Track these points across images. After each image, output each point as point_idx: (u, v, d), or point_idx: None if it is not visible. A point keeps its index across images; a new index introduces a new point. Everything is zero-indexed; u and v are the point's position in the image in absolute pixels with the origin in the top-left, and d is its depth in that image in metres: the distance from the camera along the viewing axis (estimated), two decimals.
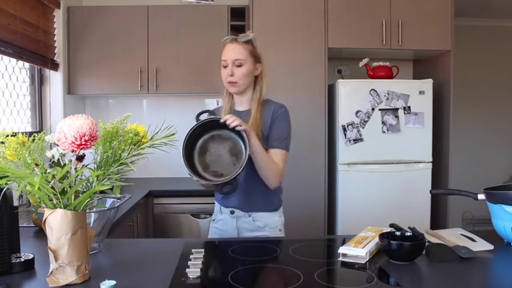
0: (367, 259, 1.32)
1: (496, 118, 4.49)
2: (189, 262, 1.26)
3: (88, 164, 1.19)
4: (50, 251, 1.11)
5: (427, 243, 1.36)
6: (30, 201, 1.31)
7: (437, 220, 3.26)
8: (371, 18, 3.10)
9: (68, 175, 1.14)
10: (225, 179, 1.52)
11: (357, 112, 3.02)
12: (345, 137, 3.02)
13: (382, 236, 1.38)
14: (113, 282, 1.04)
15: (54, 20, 3.04)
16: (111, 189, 1.20)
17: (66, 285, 1.10)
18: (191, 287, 1.15)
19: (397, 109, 3.05)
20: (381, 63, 3.24)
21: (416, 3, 3.13)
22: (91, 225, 1.34)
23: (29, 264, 1.24)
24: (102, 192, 1.22)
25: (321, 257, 1.50)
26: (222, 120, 1.53)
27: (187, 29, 3.21)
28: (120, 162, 1.22)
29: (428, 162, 3.12)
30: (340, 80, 3.07)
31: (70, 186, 1.11)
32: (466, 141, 4.41)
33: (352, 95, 3.03)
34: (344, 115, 3.03)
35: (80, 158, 1.16)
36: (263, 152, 1.62)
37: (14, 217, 1.29)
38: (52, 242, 1.10)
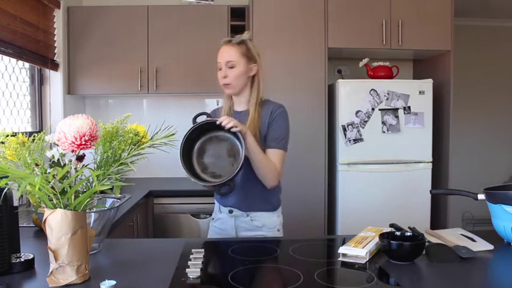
0: (367, 259, 1.32)
1: (496, 118, 4.49)
2: (189, 262, 1.26)
3: (88, 164, 1.19)
4: (50, 251, 1.11)
5: (427, 243, 1.36)
6: (30, 201, 1.31)
7: (437, 220, 3.26)
8: (371, 18, 3.10)
9: (68, 175, 1.14)
10: (221, 180, 1.53)
11: (357, 112, 3.02)
12: (345, 137, 3.02)
13: (382, 236, 1.38)
14: (113, 282, 1.04)
15: (54, 20, 3.04)
16: (111, 189, 1.20)
17: (66, 285, 1.10)
18: (191, 287, 1.15)
19: (397, 109, 3.05)
20: (381, 63, 3.24)
21: (416, 3, 3.13)
22: (91, 225, 1.34)
23: (29, 264, 1.24)
24: (102, 192, 1.22)
25: (321, 257, 1.50)
26: (218, 122, 1.54)
27: (187, 29, 3.21)
28: (120, 162, 1.22)
29: (428, 162, 3.12)
30: (340, 80, 3.07)
31: (70, 186, 1.11)
32: (466, 141, 4.41)
33: (352, 95, 3.03)
34: (344, 115, 3.03)
35: (80, 158, 1.16)
36: (260, 152, 1.63)
37: (14, 217, 1.29)
38: (52, 242, 1.10)
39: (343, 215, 3.05)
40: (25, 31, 2.60)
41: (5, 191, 1.14)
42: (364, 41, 3.12)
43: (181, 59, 3.21)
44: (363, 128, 3.02)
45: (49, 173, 1.13)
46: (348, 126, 3.02)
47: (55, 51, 3.05)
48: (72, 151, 1.12)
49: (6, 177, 1.06)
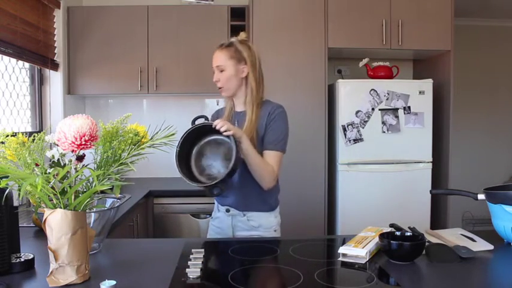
0: (367, 259, 1.32)
1: (496, 118, 4.49)
2: (189, 262, 1.26)
3: (88, 164, 1.19)
4: (50, 251, 1.11)
5: (427, 243, 1.36)
6: (30, 201, 1.31)
7: (437, 220, 3.26)
8: (371, 18, 3.10)
9: (68, 175, 1.14)
10: (210, 183, 1.56)
11: (357, 112, 3.02)
12: (345, 137, 3.02)
13: (382, 236, 1.38)
14: (113, 282, 1.04)
15: (54, 20, 3.04)
16: (111, 189, 1.20)
17: (66, 285, 1.10)
18: (191, 287, 1.15)
19: (397, 109, 3.05)
20: (381, 63, 3.23)
21: (416, 3, 3.13)
22: (91, 225, 1.34)
23: (29, 264, 1.24)
24: (102, 192, 1.22)
25: (321, 257, 1.50)
26: (213, 126, 1.57)
27: (187, 29, 3.21)
28: (120, 162, 1.22)
29: (428, 162, 3.11)
30: (340, 80, 3.07)
31: (70, 186, 1.11)
32: (466, 141, 4.41)
33: (352, 95, 3.03)
34: (344, 115, 3.03)
35: (80, 158, 1.16)
36: (256, 155, 1.64)
37: (14, 217, 1.30)
38: (52, 242, 1.10)
39: (343, 215, 3.05)
40: (25, 31, 2.60)
41: (6, 192, 1.14)
42: (364, 41, 3.11)
43: (181, 59, 3.21)
44: (363, 128, 3.02)
45: (49, 173, 1.13)
46: (348, 126, 3.02)
47: (55, 51, 3.05)
48: (72, 151, 1.12)
49: (7, 177, 1.06)
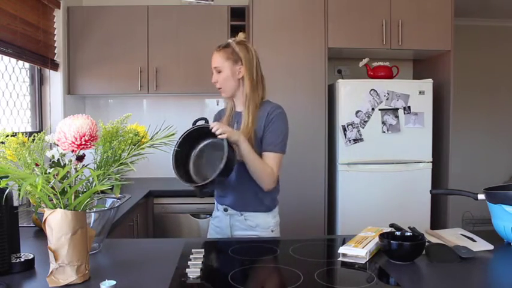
0: (367, 259, 1.32)
1: (496, 118, 4.49)
2: (189, 262, 1.26)
3: (88, 164, 1.19)
4: (50, 251, 1.11)
5: (427, 243, 1.36)
6: (30, 201, 1.31)
7: (437, 220, 3.26)
8: (371, 18, 3.10)
9: (68, 175, 1.14)
10: (197, 184, 1.59)
11: (357, 112, 3.02)
12: (345, 137, 3.02)
13: (382, 236, 1.38)
14: (113, 282, 1.04)
15: (54, 20, 3.04)
16: (111, 189, 1.20)
17: (66, 285, 1.10)
18: (191, 287, 1.15)
19: (397, 109, 3.05)
20: (381, 63, 3.23)
21: (416, 3, 3.13)
22: (91, 225, 1.34)
23: (29, 264, 1.24)
24: (102, 192, 1.22)
25: (321, 257, 1.50)
26: (210, 127, 1.59)
27: (187, 29, 3.21)
28: (120, 162, 1.22)
29: (428, 162, 3.11)
30: (340, 80, 3.07)
31: (70, 186, 1.11)
32: (466, 141, 4.41)
33: (352, 95, 3.03)
34: (344, 115, 3.03)
35: (80, 158, 1.16)
36: (254, 158, 1.65)
37: (14, 217, 1.30)
38: (52, 242, 1.10)
39: (343, 215, 3.05)
40: (25, 31, 2.60)
41: (6, 192, 1.14)
42: (364, 41, 3.11)
43: (181, 59, 3.21)
44: (363, 128, 3.02)
45: (49, 173, 1.13)
46: (348, 126, 3.02)
47: (55, 51, 3.05)
48: (72, 151, 1.12)
49: (7, 177, 1.06)
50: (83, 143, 1.11)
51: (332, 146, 3.14)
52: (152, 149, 1.29)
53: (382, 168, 3.05)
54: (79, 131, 1.10)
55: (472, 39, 4.36)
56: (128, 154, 1.23)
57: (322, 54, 3.08)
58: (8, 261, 1.20)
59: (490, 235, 1.53)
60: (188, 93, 3.38)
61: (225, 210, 1.80)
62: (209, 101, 3.60)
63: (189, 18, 3.21)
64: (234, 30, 3.02)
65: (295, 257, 1.40)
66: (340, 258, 1.34)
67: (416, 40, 3.14)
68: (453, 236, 1.52)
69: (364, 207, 3.00)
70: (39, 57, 2.79)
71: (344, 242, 1.43)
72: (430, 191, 1.96)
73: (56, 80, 3.07)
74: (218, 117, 1.92)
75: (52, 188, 1.10)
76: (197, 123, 1.69)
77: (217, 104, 3.53)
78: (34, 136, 1.19)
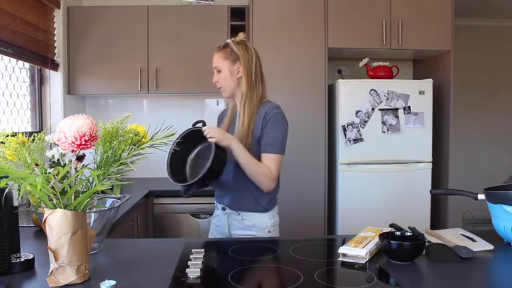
0: (367, 259, 1.32)
1: (496, 118, 4.49)
2: (189, 262, 1.26)
3: (88, 164, 1.19)
4: (50, 251, 1.11)
5: (427, 243, 1.36)
6: (30, 201, 1.31)
7: (437, 220, 3.26)
8: (371, 18, 3.10)
9: (68, 175, 1.14)
10: (182, 184, 1.66)
11: (357, 112, 3.02)
12: (345, 137, 3.02)
13: (382, 236, 1.38)
14: (113, 282, 1.04)
15: (54, 20, 3.04)
16: (111, 189, 1.20)
17: (66, 285, 1.10)
18: (191, 287, 1.15)
19: (397, 109, 3.05)
20: (381, 63, 3.23)
21: (416, 3, 3.13)
22: (91, 225, 1.34)
23: (29, 264, 1.24)
24: (102, 192, 1.22)
25: (321, 257, 1.50)
26: (202, 130, 1.62)
27: (187, 29, 3.21)
28: (120, 162, 1.22)
29: (428, 162, 3.11)
30: (340, 80, 3.07)
31: (70, 186, 1.11)
32: (466, 141, 4.41)
33: (352, 95, 3.03)
34: (344, 115, 3.03)
35: (80, 158, 1.16)
36: (249, 160, 1.65)
37: (14, 217, 1.29)
38: (52, 242, 1.10)
39: (343, 215, 3.05)
40: (25, 31, 2.60)
41: (6, 192, 1.14)
42: (364, 41, 3.11)
43: (181, 59, 3.21)
44: (363, 128, 3.02)
45: (49, 173, 1.13)
46: (348, 126, 3.02)
47: (55, 51, 3.05)
48: (72, 151, 1.12)
49: (7, 177, 1.06)
50: (83, 143, 1.11)
51: (332, 146, 3.14)
52: (152, 149, 1.29)
53: (382, 168, 3.05)
54: (79, 131, 1.10)
55: (472, 39, 4.36)
56: (128, 154, 1.23)
57: (322, 54, 3.08)
58: (8, 261, 1.20)
59: (490, 235, 1.52)
60: (188, 93, 3.38)
61: (223, 209, 1.82)
62: (209, 101, 3.60)
63: (189, 18, 3.21)
64: (234, 30, 3.02)
65: (295, 257, 1.40)
66: (340, 258, 1.34)
67: (416, 40, 3.14)
68: (453, 236, 1.52)
69: (364, 207, 3.00)
70: (39, 57, 2.79)
71: (344, 242, 1.43)
72: (430, 191, 1.96)
73: (56, 80, 3.07)
74: (221, 117, 1.93)
75: (52, 188, 1.10)
76: (197, 125, 1.71)
77: (217, 104, 3.53)
78: (34, 136, 1.19)
